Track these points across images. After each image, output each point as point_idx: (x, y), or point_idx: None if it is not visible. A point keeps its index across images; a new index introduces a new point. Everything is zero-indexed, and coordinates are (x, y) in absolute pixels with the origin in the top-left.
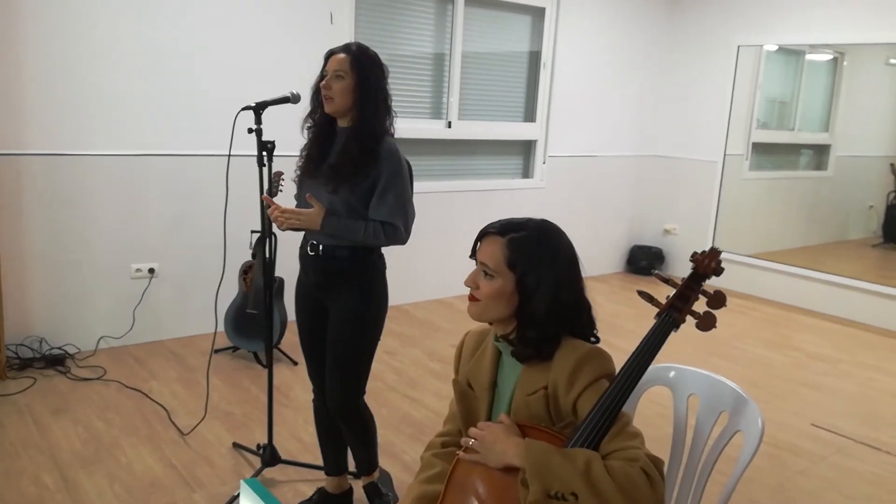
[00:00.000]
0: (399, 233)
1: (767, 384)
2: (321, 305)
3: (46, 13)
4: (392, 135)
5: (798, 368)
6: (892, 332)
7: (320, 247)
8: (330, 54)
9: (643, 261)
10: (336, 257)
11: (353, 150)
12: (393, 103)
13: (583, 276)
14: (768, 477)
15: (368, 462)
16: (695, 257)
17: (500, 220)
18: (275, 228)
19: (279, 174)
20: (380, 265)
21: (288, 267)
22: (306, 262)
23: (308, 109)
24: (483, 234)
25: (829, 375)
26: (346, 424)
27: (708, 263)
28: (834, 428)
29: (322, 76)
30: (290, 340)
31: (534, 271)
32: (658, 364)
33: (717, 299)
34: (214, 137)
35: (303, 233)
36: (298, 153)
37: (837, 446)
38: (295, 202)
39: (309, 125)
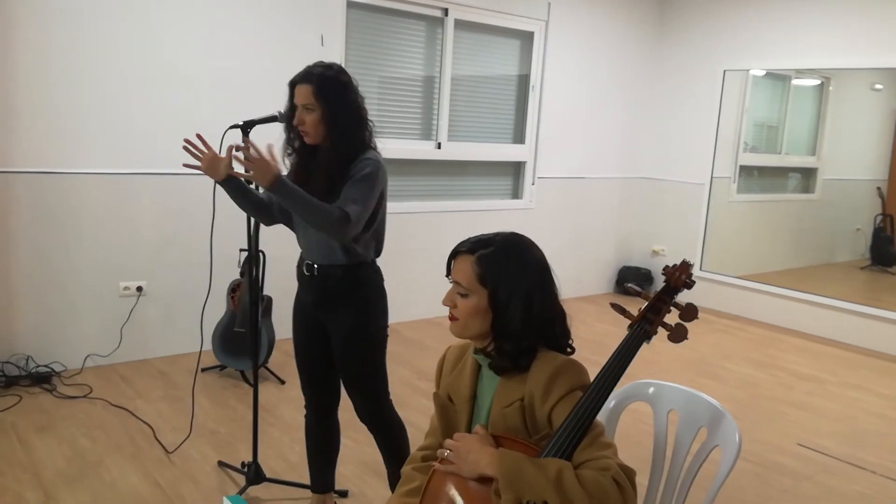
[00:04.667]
0: (348, 223)
1: (754, 404)
2: (319, 323)
3: (37, 30)
4: (374, 147)
5: (785, 388)
6: (878, 352)
7: (315, 266)
8: (294, 84)
9: (632, 281)
10: (331, 276)
11: (334, 172)
12: (369, 114)
13: (556, 285)
14: (753, 496)
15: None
16: (666, 270)
17: (470, 238)
18: (263, 245)
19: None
20: (376, 279)
21: (276, 285)
22: (303, 282)
23: (284, 137)
24: (455, 254)
25: (815, 395)
26: (377, 433)
27: (679, 276)
28: (819, 447)
29: (292, 105)
30: (278, 359)
31: (504, 285)
32: (639, 380)
33: (689, 312)
34: None
35: (299, 253)
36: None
37: (823, 466)
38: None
39: (289, 152)
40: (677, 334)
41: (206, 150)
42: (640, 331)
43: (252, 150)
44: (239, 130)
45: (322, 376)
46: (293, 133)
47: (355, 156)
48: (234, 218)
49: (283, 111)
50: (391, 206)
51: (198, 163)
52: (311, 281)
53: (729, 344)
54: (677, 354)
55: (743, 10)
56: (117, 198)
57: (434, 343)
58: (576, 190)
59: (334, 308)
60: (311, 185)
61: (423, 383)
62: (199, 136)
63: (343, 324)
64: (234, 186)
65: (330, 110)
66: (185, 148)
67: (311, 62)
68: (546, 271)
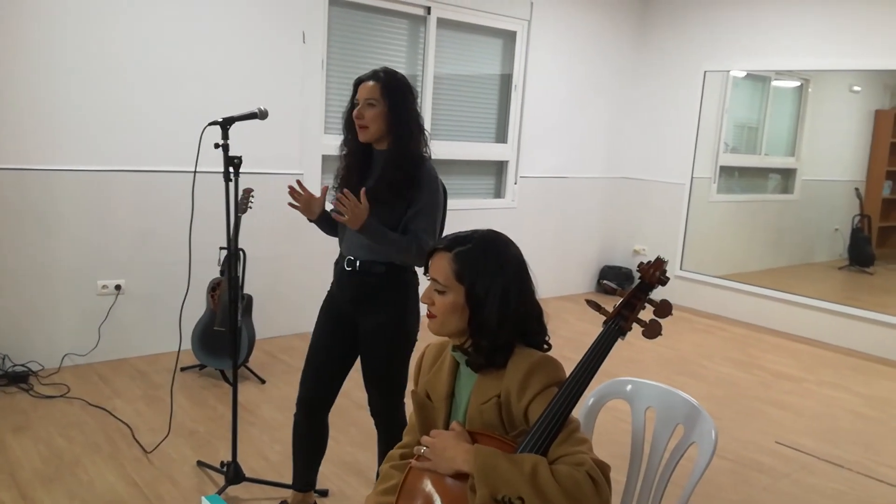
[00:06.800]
0: (425, 255)
1: (733, 402)
2: (350, 320)
3: (15, 26)
4: (429, 157)
5: (763, 387)
6: (855, 351)
7: (357, 262)
8: (359, 82)
9: (613, 280)
10: (373, 273)
11: (393, 176)
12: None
13: (532, 282)
14: (731, 493)
15: None
16: (641, 267)
17: (447, 236)
18: (244, 244)
19: (249, 191)
20: (413, 281)
21: (257, 284)
22: (342, 277)
23: (343, 138)
24: (433, 251)
25: (793, 394)
26: (385, 430)
27: (653, 273)
28: (797, 445)
29: (353, 105)
30: (258, 359)
31: (481, 281)
32: (618, 378)
33: (663, 308)
34: (183, 153)
35: (338, 249)
36: (333, 180)
37: (800, 463)
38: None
39: (344, 153)
40: (651, 330)
41: (302, 193)
42: (615, 327)
43: (348, 199)
44: (219, 127)
45: (331, 373)
46: (350, 133)
47: (415, 164)
48: (213, 216)
49: (262, 108)
50: None
51: (298, 204)
52: (350, 276)
53: (708, 343)
54: (657, 353)
55: (723, 11)
56: (96, 195)
57: (418, 342)
58: (558, 189)
59: (370, 306)
60: (373, 189)
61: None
62: (298, 182)
63: (376, 322)
64: (323, 220)
65: (394, 108)
66: (290, 192)
67: (292, 59)
68: (522, 268)
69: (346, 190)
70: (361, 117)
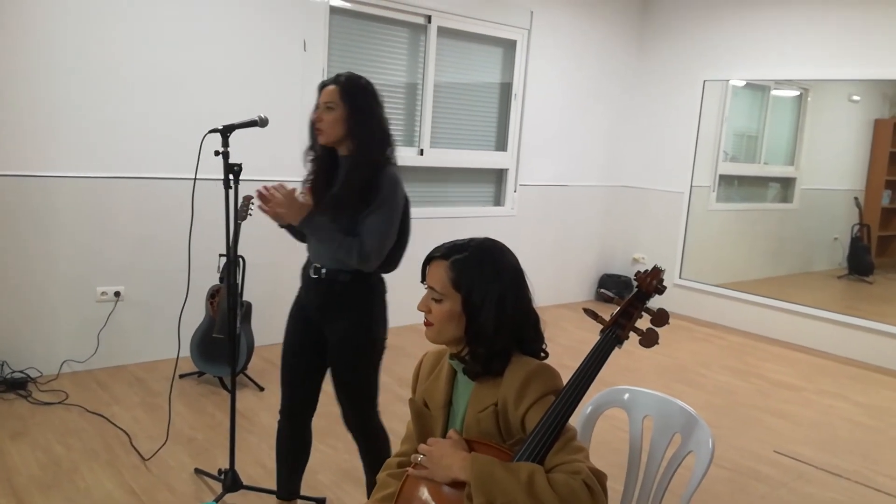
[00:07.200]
0: (367, 259)
1: (731, 411)
2: (316, 327)
3: (14, 32)
4: (394, 164)
5: (762, 396)
6: (854, 360)
7: (323, 270)
8: (322, 86)
9: (612, 289)
10: (338, 281)
11: (355, 181)
12: (391, 129)
13: (529, 290)
14: (729, 502)
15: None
16: (638, 276)
17: (444, 244)
18: (243, 251)
19: (248, 198)
20: (380, 288)
21: (256, 291)
22: (308, 284)
23: (308, 143)
24: (429, 259)
25: (791, 403)
26: (362, 441)
27: (650, 282)
28: (795, 454)
29: (316, 109)
30: (257, 366)
31: (478, 289)
32: (615, 387)
33: (660, 317)
34: (183, 160)
35: (307, 255)
36: (301, 183)
37: (798, 472)
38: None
39: (311, 157)
40: (648, 339)
41: (270, 199)
42: (612, 336)
43: (280, 193)
44: (219, 135)
45: (304, 381)
46: (313, 136)
47: (374, 172)
48: (213, 223)
49: (263, 116)
50: None
51: (267, 209)
52: (317, 284)
53: (707, 351)
54: (656, 362)
55: (723, 20)
56: (95, 201)
57: (416, 350)
58: (557, 197)
59: (336, 314)
60: (335, 195)
61: (403, 390)
62: (266, 187)
63: (342, 330)
64: (292, 226)
65: (354, 112)
66: (259, 196)
67: (293, 67)
68: (519, 276)
69: (279, 184)
70: (320, 120)
